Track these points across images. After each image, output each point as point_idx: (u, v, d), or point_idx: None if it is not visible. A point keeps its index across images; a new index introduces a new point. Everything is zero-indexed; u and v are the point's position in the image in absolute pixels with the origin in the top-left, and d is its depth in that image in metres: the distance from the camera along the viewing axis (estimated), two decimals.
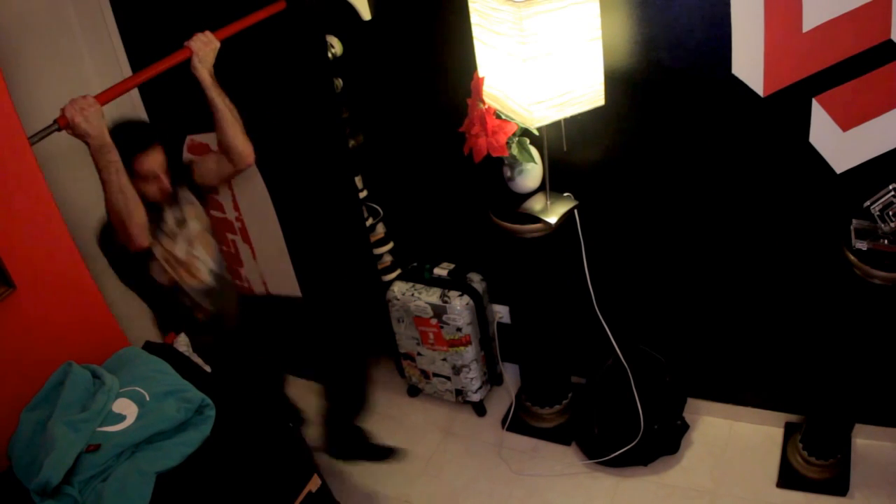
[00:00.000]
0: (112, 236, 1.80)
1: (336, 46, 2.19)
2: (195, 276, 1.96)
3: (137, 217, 1.72)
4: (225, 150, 1.96)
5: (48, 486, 1.34)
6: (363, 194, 2.46)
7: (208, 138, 2.57)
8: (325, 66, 2.16)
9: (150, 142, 1.83)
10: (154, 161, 1.83)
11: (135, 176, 1.79)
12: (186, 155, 2.62)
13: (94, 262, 2.23)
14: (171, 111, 2.59)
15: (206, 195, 2.08)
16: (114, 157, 1.64)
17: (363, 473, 2.40)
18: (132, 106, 2.57)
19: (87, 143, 1.61)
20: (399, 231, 2.56)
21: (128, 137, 1.80)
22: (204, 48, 1.84)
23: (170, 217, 1.92)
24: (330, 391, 2.20)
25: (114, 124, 1.82)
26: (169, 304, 1.95)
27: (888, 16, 1.55)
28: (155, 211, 1.87)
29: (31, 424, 1.50)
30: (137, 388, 1.55)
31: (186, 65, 1.86)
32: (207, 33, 1.86)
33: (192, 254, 1.95)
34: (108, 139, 1.61)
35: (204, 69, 1.85)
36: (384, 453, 2.28)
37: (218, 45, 1.87)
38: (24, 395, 1.56)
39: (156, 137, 1.85)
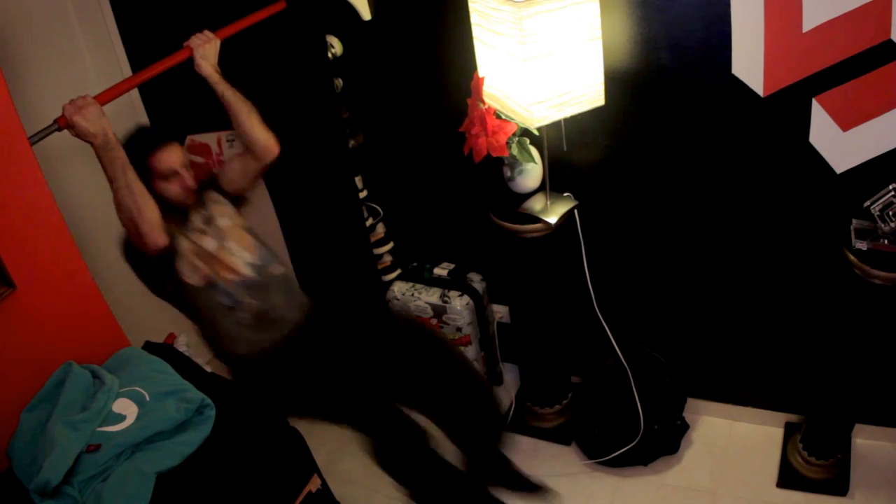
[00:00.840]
0: (133, 246, 1.73)
1: (336, 46, 2.19)
2: (231, 269, 1.82)
3: (147, 213, 1.62)
4: (248, 144, 1.89)
5: (48, 487, 1.35)
6: (363, 194, 2.46)
7: (209, 138, 2.57)
8: (325, 66, 2.16)
9: (165, 139, 1.78)
10: (172, 156, 1.77)
11: (154, 176, 1.74)
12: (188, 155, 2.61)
13: (94, 262, 2.23)
14: (171, 111, 2.59)
15: (236, 200, 1.99)
16: (119, 153, 1.59)
17: (363, 474, 2.40)
18: (132, 106, 2.57)
19: (90, 143, 1.59)
20: (399, 231, 2.56)
21: (142, 140, 1.77)
22: (204, 45, 1.82)
23: (197, 217, 1.84)
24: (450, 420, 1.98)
25: (128, 133, 1.80)
26: (206, 305, 1.79)
27: (888, 16, 1.55)
28: (181, 213, 1.81)
29: (31, 424, 1.50)
30: (137, 388, 1.55)
31: (187, 66, 1.86)
32: (206, 32, 1.86)
33: (224, 246, 1.84)
34: (111, 136, 1.58)
35: (208, 65, 1.83)
36: (529, 487, 2.02)
37: (218, 41, 1.87)
38: (24, 395, 1.56)
39: (171, 135, 1.81)
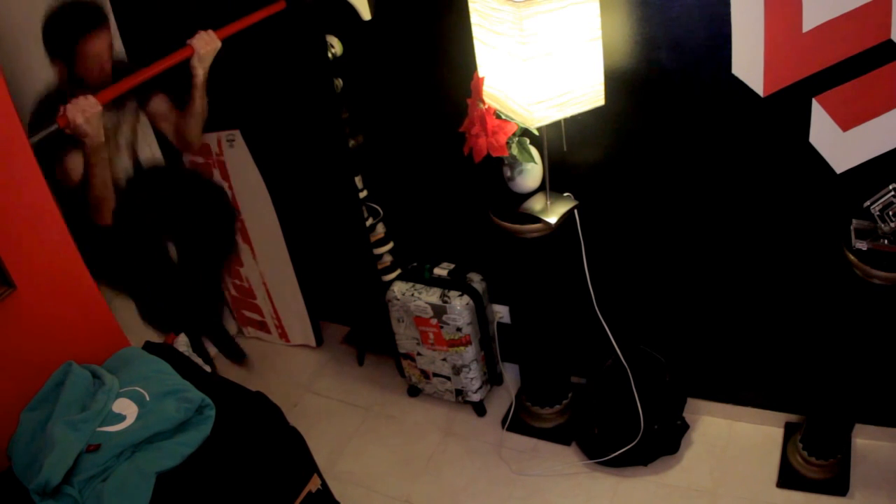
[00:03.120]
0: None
1: (336, 46, 2.19)
2: (113, 175, 1.96)
3: (109, 203, 1.86)
4: (179, 137, 2.10)
5: (48, 487, 1.34)
6: (363, 194, 2.46)
7: (209, 138, 2.56)
8: (325, 66, 2.16)
9: (99, 24, 1.82)
10: (101, 45, 1.80)
11: (79, 59, 1.78)
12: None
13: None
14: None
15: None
16: (105, 154, 1.68)
17: (363, 474, 2.41)
18: None
19: (83, 142, 1.60)
20: (399, 231, 2.56)
21: (76, 19, 1.80)
22: (205, 47, 1.83)
23: (109, 115, 1.93)
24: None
25: (62, 2, 1.83)
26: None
27: (888, 16, 1.55)
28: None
29: (31, 424, 1.50)
30: (137, 388, 1.55)
31: (187, 65, 1.86)
32: (210, 32, 1.86)
33: (115, 156, 2.00)
34: (102, 139, 1.62)
35: (201, 68, 1.85)
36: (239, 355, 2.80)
37: (219, 45, 1.87)
38: (24, 395, 1.56)
39: (104, 19, 1.84)
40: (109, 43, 1.86)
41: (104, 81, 1.86)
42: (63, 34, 1.79)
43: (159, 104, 2.12)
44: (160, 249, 2.36)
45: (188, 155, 2.63)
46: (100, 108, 1.58)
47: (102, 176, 1.76)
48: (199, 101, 1.95)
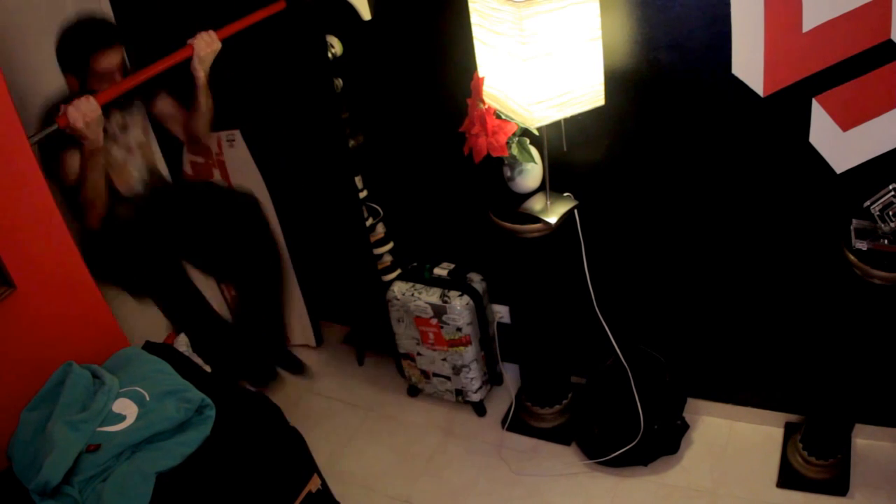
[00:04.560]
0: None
1: (336, 46, 2.19)
2: (124, 180, 2.02)
3: (100, 208, 1.86)
4: (188, 135, 2.12)
5: (48, 487, 1.34)
6: (363, 194, 2.46)
7: (209, 139, 2.56)
8: (325, 66, 2.16)
9: (112, 41, 1.84)
10: (113, 60, 1.83)
11: (91, 74, 1.80)
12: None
13: None
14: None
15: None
16: (101, 159, 1.73)
17: (363, 474, 2.41)
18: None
19: (82, 143, 1.62)
20: (399, 231, 2.56)
21: (91, 35, 1.83)
22: (206, 48, 1.84)
23: (116, 117, 1.95)
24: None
25: (77, 19, 1.86)
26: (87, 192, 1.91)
27: (888, 16, 1.55)
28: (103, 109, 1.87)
29: (31, 424, 1.50)
30: (137, 388, 1.55)
31: (188, 65, 1.86)
32: (211, 33, 1.87)
33: (127, 159, 2.03)
34: (101, 143, 1.66)
35: (202, 70, 1.87)
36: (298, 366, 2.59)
37: (219, 47, 1.88)
38: (24, 395, 1.56)
39: (118, 37, 1.87)
40: (122, 60, 1.88)
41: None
42: (76, 49, 1.81)
43: (165, 105, 2.12)
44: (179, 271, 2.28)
45: (189, 155, 2.64)
46: (99, 111, 1.59)
47: (94, 179, 1.77)
48: (204, 101, 1.98)
